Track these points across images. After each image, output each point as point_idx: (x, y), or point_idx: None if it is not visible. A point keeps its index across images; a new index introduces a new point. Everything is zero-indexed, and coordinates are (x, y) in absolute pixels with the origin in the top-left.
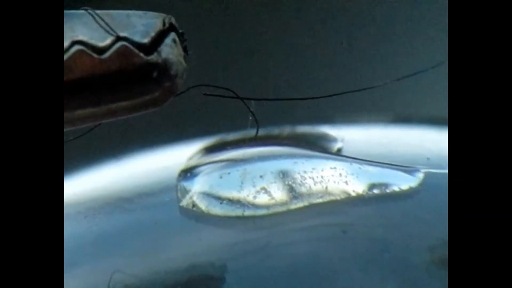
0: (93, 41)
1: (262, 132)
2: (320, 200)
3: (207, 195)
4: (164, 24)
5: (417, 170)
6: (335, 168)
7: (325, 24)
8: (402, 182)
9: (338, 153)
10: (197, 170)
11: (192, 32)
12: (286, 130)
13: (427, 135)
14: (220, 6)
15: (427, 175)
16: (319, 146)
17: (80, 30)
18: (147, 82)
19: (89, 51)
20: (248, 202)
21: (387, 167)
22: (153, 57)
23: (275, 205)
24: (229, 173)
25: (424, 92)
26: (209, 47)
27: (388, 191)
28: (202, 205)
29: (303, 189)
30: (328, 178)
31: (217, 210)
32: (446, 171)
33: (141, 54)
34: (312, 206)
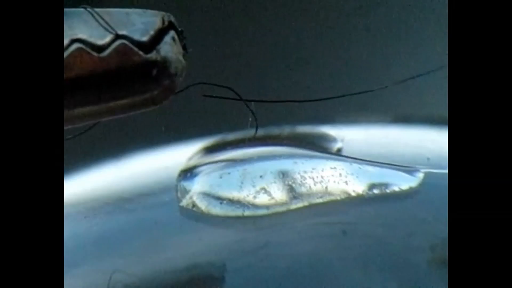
0: (92, 39)
1: (262, 132)
2: (320, 200)
3: (207, 195)
4: (163, 22)
5: (417, 170)
6: (335, 168)
7: (325, 24)
8: (402, 182)
9: (338, 153)
10: (197, 170)
11: (192, 30)
12: (286, 130)
13: (427, 135)
14: (220, 4)
15: (427, 175)
16: (319, 146)
17: (80, 28)
18: (146, 80)
19: (88, 49)
20: (248, 202)
21: (387, 167)
22: (152, 55)
23: (275, 205)
24: (229, 173)
25: (424, 92)
26: (209, 45)
27: (388, 191)
28: (202, 205)
29: (303, 189)
30: (328, 178)
31: (217, 210)
32: (446, 171)
33: (141, 52)
34: (312, 206)
